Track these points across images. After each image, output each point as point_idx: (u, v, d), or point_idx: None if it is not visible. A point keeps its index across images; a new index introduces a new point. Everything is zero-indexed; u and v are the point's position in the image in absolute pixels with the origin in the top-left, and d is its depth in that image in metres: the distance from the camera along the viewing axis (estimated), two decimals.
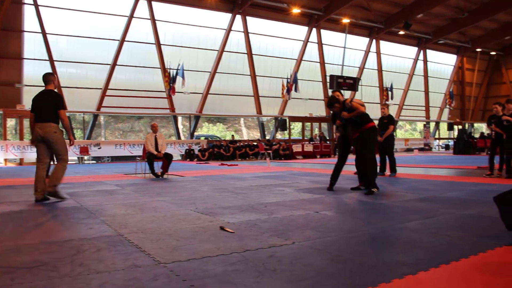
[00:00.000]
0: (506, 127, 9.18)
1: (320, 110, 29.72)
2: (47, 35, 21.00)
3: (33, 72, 20.94)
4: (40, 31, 20.80)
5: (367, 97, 29.83)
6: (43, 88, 6.52)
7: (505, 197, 3.72)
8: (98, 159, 23.04)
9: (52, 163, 6.73)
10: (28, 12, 20.65)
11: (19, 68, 20.82)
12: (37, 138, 6.29)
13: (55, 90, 6.61)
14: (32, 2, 20.45)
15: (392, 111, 31.83)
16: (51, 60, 21.13)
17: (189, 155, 22.75)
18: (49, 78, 6.51)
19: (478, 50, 37.38)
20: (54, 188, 6.23)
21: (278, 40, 28.09)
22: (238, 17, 26.11)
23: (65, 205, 5.95)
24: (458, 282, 2.51)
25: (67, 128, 6.63)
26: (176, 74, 23.30)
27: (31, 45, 20.91)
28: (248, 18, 26.52)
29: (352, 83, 27.39)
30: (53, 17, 21.19)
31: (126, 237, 3.81)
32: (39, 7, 20.66)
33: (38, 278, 2.66)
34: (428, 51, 35.93)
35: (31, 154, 19.37)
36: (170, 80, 23.21)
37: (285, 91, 26.78)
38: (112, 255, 3.19)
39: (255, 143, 24.64)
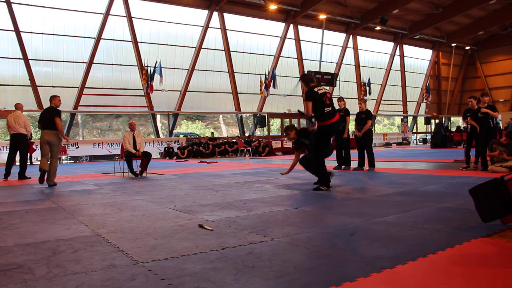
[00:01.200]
0: (481, 118, 9.31)
1: (299, 106, 29.78)
2: (21, 33, 20.58)
3: (6, 71, 20.56)
4: (13, 29, 20.38)
5: (345, 93, 30.02)
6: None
7: (480, 189, 3.78)
8: (76, 158, 22.76)
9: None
10: (0, 10, 20.19)
11: None
12: (43, 140, 8.79)
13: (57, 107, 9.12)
14: (4, 0, 20.02)
15: (370, 106, 32.13)
16: (25, 58, 20.73)
17: (168, 153, 22.61)
18: (50, 99, 9.18)
19: (453, 45, 37.91)
20: (53, 181, 8.71)
21: (256, 36, 28.07)
22: (215, 14, 25.99)
23: (42, 206, 5.86)
24: (435, 275, 2.54)
25: (60, 130, 8.88)
26: (154, 71, 23.08)
27: (4, 43, 20.46)
28: (225, 14, 26.43)
29: (330, 79, 27.62)
30: (27, 15, 20.77)
31: (104, 237, 3.77)
32: (12, 5, 20.23)
33: (13, 281, 2.61)
34: (404, 46, 36.30)
35: (5, 155, 18.99)
36: (147, 77, 22.98)
37: (263, 87, 26.78)
38: (89, 256, 3.15)
39: (234, 140, 24.60)
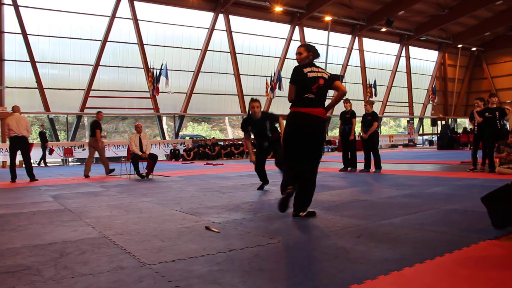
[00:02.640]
0: (488, 119, 9.25)
1: None
2: (28, 36, 20.70)
3: (14, 74, 20.69)
4: (20, 32, 20.49)
5: (351, 94, 29.96)
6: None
7: (492, 196, 3.75)
8: (82, 160, 22.75)
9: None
10: (8, 13, 20.32)
11: (0, 70, 20.48)
12: (89, 145, 12.03)
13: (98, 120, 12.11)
14: (11, 3, 20.13)
15: (376, 108, 32.02)
16: (32, 61, 20.83)
17: (174, 155, 22.65)
18: (96, 114, 12.48)
19: (459, 46, 37.73)
20: (108, 170, 12.04)
21: (261, 38, 28.07)
22: (221, 16, 26.03)
23: (49, 207, 5.88)
24: (443, 277, 2.53)
25: (98, 138, 11.69)
26: (160, 74, 23.12)
27: (12, 46, 20.58)
28: (230, 17, 26.46)
29: None
30: (34, 18, 20.87)
31: (111, 239, 3.78)
32: (19, 8, 20.35)
33: (21, 283, 2.62)
34: (410, 47, 36.18)
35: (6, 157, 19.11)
36: (153, 80, 23.03)
37: (269, 89, 26.77)
38: (96, 257, 3.16)
39: (240, 142, 24.60)
